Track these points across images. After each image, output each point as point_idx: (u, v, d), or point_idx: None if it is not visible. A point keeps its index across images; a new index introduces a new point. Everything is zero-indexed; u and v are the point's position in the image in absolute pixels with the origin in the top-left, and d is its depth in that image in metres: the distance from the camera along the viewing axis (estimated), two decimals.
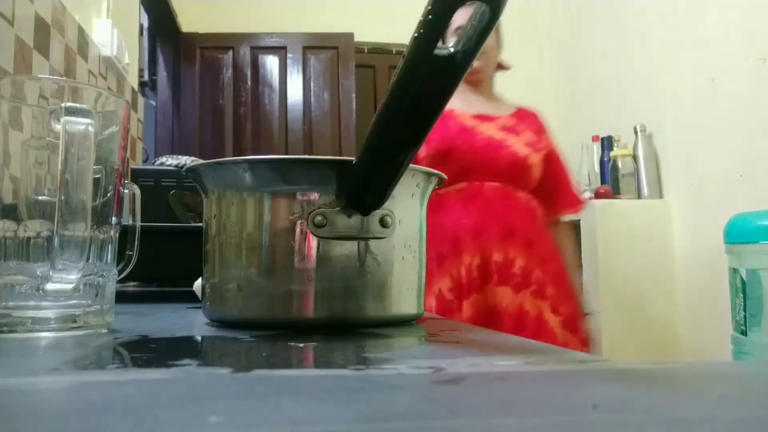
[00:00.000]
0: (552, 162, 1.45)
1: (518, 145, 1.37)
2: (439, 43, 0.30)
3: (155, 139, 3.19)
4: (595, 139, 2.57)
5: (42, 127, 0.38)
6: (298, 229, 0.40)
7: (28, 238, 0.37)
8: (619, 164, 2.43)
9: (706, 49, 2.12)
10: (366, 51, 3.37)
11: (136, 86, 2.25)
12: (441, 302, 1.27)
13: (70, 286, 0.36)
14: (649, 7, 2.36)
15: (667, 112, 2.28)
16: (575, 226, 1.95)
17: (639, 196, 2.50)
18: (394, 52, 3.32)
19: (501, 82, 1.57)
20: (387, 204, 0.40)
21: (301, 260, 0.40)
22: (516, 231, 1.32)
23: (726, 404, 0.20)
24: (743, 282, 1.74)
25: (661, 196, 2.54)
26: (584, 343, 1.35)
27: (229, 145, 3.29)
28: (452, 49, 0.30)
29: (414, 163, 0.38)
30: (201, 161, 0.47)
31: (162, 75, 3.29)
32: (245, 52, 3.36)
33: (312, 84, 3.34)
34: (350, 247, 0.40)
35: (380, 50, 3.38)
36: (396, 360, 0.29)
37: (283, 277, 0.40)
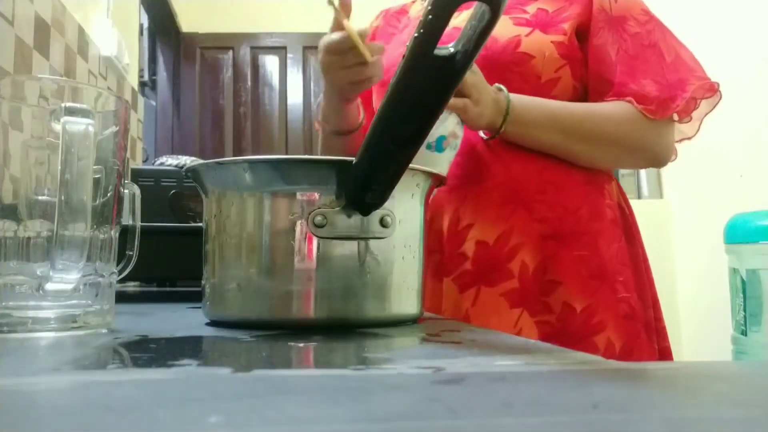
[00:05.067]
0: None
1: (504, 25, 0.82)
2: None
3: (155, 139, 3.19)
4: None
5: (42, 127, 0.38)
6: (298, 229, 0.40)
7: (28, 238, 0.37)
8: None
9: (707, 49, 2.12)
10: None
11: (136, 86, 2.25)
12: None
13: (70, 286, 0.36)
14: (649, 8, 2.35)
15: None
16: None
17: (639, 196, 2.50)
18: None
19: None
20: (387, 204, 0.40)
21: (301, 260, 0.40)
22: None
23: (726, 404, 0.20)
24: (743, 282, 1.74)
25: (661, 196, 2.55)
26: None
27: (229, 145, 3.29)
28: (452, 49, 0.30)
29: None
30: (201, 161, 0.47)
31: (162, 75, 3.29)
32: (245, 52, 3.37)
33: (312, 84, 3.35)
34: (350, 247, 0.40)
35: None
36: (396, 360, 0.29)
37: (283, 277, 0.40)
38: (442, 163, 0.71)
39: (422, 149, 0.69)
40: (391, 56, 0.84)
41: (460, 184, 0.78)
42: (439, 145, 0.70)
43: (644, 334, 0.78)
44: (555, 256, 0.76)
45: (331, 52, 0.74)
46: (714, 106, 0.79)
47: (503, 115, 0.73)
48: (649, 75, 0.77)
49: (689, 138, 0.82)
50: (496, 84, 0.75)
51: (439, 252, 0.79)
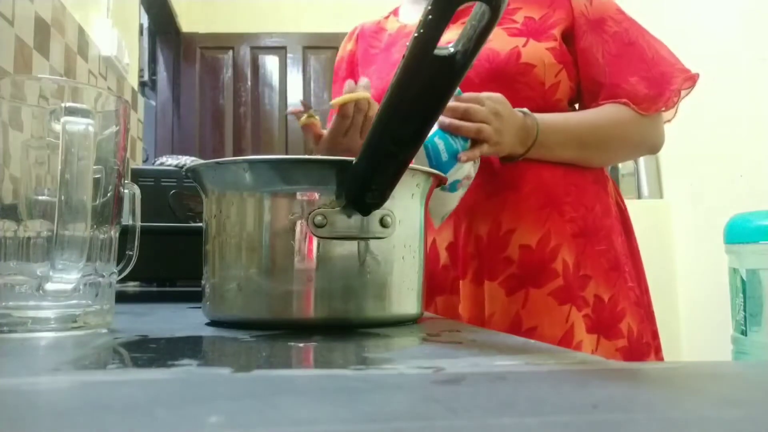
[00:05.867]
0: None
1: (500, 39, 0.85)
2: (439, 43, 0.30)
3: (155, 139, 3.19)
4: None
5: (42, 127, 0.38)
6: (298, 229, 0.40)
7: (28, 238, 0.37)
8: (619, 164, 2.42)
9: (707, 48, 2.12)
10: None
11: (136, 86, 2.25)
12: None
13: (70, 286, 0.36)
14: (648, 7, 2.36)
15: None
16: None
17: (639, 196, 2.50)
18: None
19: None
20: (387, 204, 0.40)
21: (301, 260, 0.40)
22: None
23: (726, 404, 0.20)
24: (743, 282, 1.74)
25: (661, 196, 2.55)
26: None
27: (229, 145, 3.29)
28: (452, 49, 0.30)
29: None
30: (201, 161, 0.47)
31: (162, 75, 3.29)
32: (245, 52, 3.37)
33: (312, 84, 3.35)
34: (350, 247, 0.40)
35: None
36: (396, 360, 0.29)
37: (283, 277, 0.40)
38: (454, 200, 0.74)
39: (436, 189, 0.71)
40: (388, 75, 0.89)
41: (498, 191, 0.81)
42: (453, 187, 0.72)
43: (646, 319, 0.85)
44: (584, 253, 0.82)
45: (342, 132, 0.83)
46: (689, 92, 0.86)
47: (528, 146, 0.77)
48: (636, 72, 0.84)
49: (669, 121, 0.89)
50: (521, 109, 0.78)
51: (478, 258, 0.82)
